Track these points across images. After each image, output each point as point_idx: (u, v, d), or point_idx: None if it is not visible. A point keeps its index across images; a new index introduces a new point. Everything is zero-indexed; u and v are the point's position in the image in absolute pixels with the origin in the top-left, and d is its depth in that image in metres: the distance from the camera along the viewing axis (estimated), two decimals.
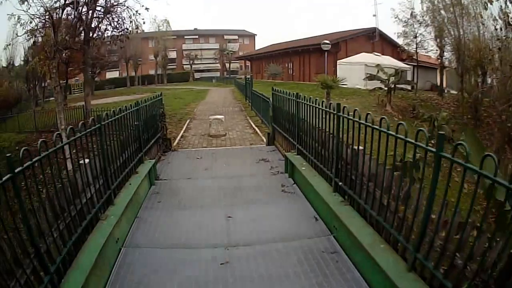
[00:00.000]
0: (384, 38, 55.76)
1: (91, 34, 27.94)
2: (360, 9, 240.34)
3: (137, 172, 10.01)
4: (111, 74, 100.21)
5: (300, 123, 10.93)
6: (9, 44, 45.84)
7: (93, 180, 6.73)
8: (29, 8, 23.01)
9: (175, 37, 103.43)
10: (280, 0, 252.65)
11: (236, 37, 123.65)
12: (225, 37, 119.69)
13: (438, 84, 41.84)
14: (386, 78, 30.24)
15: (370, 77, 32.27)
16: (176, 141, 18.72)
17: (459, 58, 33.59)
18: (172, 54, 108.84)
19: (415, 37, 41.01)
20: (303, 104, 10.48)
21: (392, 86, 29.98)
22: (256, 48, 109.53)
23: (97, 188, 6.84)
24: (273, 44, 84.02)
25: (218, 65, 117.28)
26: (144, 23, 29.24)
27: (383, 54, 49.13)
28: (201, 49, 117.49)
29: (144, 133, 11.85)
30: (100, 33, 29.23)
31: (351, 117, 6.78)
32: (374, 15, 58.07)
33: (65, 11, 24.60)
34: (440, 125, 20.20)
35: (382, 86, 30.74)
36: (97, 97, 56.54)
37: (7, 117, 45.17)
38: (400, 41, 45.83)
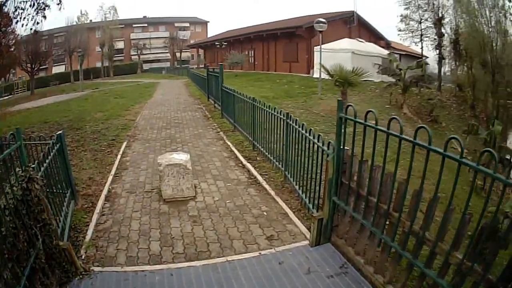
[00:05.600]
0: (361, 23, 49.21)
1: None
2: None
3: None
4: (58, 69, 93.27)
5: None
6: None
7: None
8: None
9: (123, 26, 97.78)
10: None
11: (188, 24, 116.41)
12: (176, 24, 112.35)
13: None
14: (404, 70, 24.48)
15: (384, 70, 26.24)
16: (94, 220, 7.96)
17: (455, 48, 33.09)
18: (120, 44, 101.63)
19: (420, 22, 35.41)
20: None
21: (411, 81, 24.50)
22: (209, 36, 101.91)
23: None
24: (230, 30, 75.67)
25: (168, 54, 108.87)
26: None
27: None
28: (150, 38, 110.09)
29: None
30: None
31: None
32: None
33: None
34: (500, 146, 17.01)
35: (392, 79, 26.04)
36: (32, 98, 49.88)
37: None
38: (401, 25, 40.81)
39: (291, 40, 45.90)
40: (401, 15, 39.67)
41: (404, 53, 47.00)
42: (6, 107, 41.92)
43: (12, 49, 42.44)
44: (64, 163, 8.34)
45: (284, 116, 9.54)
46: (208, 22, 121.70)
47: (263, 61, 53.36)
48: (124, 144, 14.79)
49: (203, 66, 75.68)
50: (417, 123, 21.43)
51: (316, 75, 34.14)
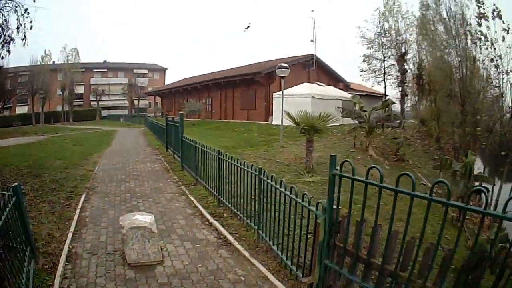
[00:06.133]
0: (320, 66, 48.69)
1: None
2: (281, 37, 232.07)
3: None
4: (22, 109, 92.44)
5: None
6: None
7: None
8: None
9: (83, 70, 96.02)
10: (194, 34, 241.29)
11: (146, 71, 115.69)
12: (135, 71, 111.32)
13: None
14: (369, 112, 24.50)
15: (348, 113, 26.07)
16: (57, 284, 7.06)
17: (419, 83, 33.27)
18: (80, 89, 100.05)
19: (383, 60, 35.10)
20: None
21: (377, 122, 24.56)
22: (167, 83, 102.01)
23: None
24: (187, 78, 74.93)
25: (126, 102, 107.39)
26: (31, 28, 18.12)
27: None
28: (109, 84, 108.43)
29: None
30: None
31: None
32: (312, 41, 48.23)
33: None
34: (476, 175, 17.51)
35: (354, 121, 26.53)
36: None
37: None
38: (364, 66, 39.25)
39: (249, 87, 45.35)
40: (364, 55, 39.76)
41: (364, 93, 46.91)
42: None
43: None
44: (22, 219, 7.49)
45: (256, 172, 8.84)
46: (166, 69, 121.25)
47: (221, 109, 52.63)
48: (83, 197, 13.75)
49: (160, 114, 74.76)
50: (384, 164, 21.49)
51: (275, 122, 34.18)
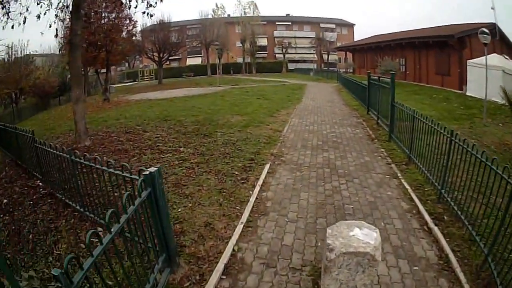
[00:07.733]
0: (502, 37, 42.67)
1: None
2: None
3: None
4: (193, 61, 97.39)
5: None
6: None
7: None
8: None
9: (265, 22, 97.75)
10: None
11: (334, 26, 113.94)
12: (321, 25, 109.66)
13: None
14: None
15: None
16: None
17: None
18: (262, 41, 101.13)
19: None
20: None
21: None
22: (355, 40, 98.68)
23: None
24: (379, 35, 70.13)
25: (314, 55, 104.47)
26: None
27: None
28: (294, 37, 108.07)
29: None
30: None
31: None
32: (492, 8, 43.29)
33: None
34: None
35: None
36: (158, 88, 50.00)
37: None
38: None
39: (442, 50, 41.74)
40: None
41: None
42: (126, 94, 41.63)
43: (132, 36, 44.94)
44: (158, 217, 5.43)
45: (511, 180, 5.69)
46: (354, 25, 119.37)
47: (415, 71, 48.86)
48: (266, 168, 11.20)
49: (351, 70, 72.58)
50: None
51: (469, 92, 31.39)
